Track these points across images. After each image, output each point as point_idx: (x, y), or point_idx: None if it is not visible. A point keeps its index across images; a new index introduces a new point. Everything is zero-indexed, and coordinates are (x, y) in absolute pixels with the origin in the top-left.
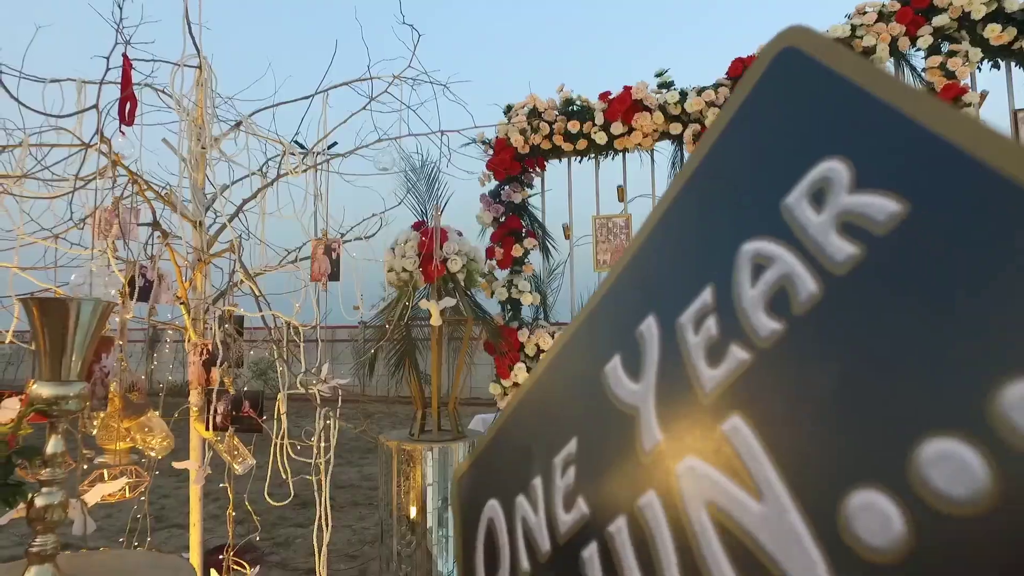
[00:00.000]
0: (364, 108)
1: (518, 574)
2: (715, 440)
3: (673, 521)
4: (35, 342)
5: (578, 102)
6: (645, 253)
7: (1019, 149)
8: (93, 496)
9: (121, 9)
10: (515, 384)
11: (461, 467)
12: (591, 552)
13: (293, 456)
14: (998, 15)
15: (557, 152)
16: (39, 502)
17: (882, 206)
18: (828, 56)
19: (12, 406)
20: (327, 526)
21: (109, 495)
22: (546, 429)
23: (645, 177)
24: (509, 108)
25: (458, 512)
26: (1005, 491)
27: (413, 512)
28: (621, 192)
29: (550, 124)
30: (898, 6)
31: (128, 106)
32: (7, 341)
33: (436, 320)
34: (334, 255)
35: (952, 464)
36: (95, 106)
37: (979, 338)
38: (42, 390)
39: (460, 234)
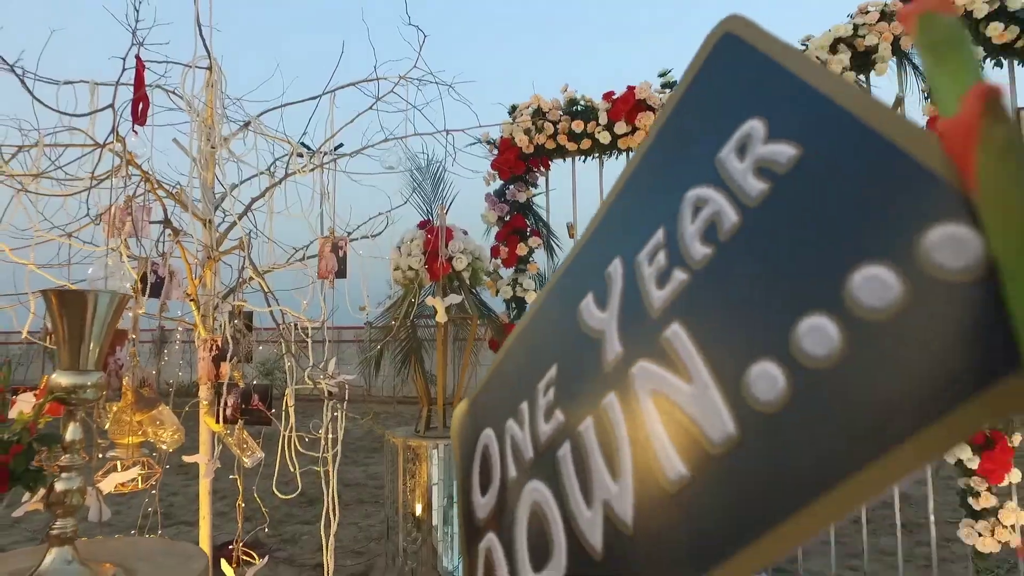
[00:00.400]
0: (370, 108)
1: (507, 482)
2: (660, 344)
3: (627, 412)
4: (54, 333)
5: (582, 102)
6: (614, 209)
7: (879, 105)
8: (108, 484)
9: (137, 12)
10: None
11: (460, 408)
12: (565, 451)
13: (301, 451)
14: (1000, 14)
15: (561, 151)
16: (59, 487)
17: (784, 151)
18: (755, 39)
19: (27, 400)
20: (334, 516)
21: (122, 484)
22: (532, 363)
23: None
24: (514, 108)
25: (458, 446)
26: (848, 346)
27: (419, 509)
28: None
29: (554, 124)
30: (900, 5)
31: (141, 106)
32: (23, 336)
33: (442, 317)
34: (341, 253)
35: (817, 333)
36: (111, 106)
37: (838, 240)
38: (61, 379)
39: (465, 233)
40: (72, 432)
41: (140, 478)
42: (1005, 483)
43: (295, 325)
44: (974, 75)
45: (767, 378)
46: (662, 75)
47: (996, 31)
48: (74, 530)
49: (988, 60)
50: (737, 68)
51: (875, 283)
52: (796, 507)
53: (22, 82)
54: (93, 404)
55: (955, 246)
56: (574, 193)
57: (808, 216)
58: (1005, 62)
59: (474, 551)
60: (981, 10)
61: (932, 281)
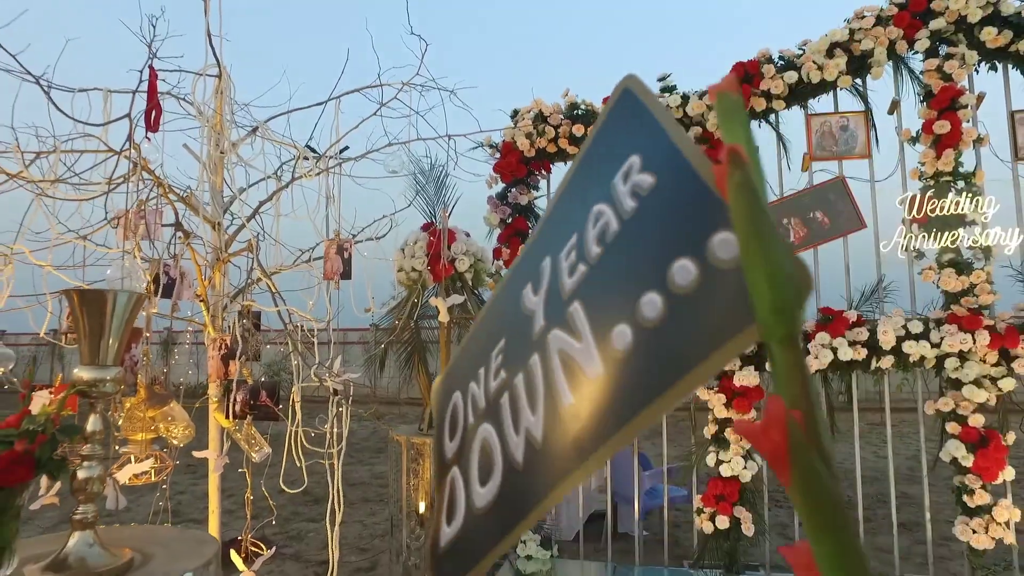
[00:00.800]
0: (375, 114)
1: (467, 427)
2: (566, 317)
3: (544, 366)
4: (76, 330)
5: (583, 106)
6: (549, 219)
7: (699, 151)
8: (124, 475)
9: (154, 28)
10: None
11: (438, 378)
12: (505, 399)
13: (307, 447)
14: (994, 18)
15: (562, 155)
16: (81, 475)
17: (647, 179)
18: (643, 95)
19: (43, 397)
20: (339, 508)
21: (136, 476)
22: (489, 338)
23: None
24: (515, 113)
25: (436, 408)
26: (667, 311)
27: (422, 507)
28: None
29: (555, 128)
30: (896, 10)
31: (154, 114)
32: (41, 335)
33: (444, 317)
34: (346, 255)
35: (652, 304)
36: (128, 115)
37: (667, 242)
38: (83, 373)
39: (468, 235)
40: (93, 423)
41: (153, 471)
42: (999, 481)
43: (301, 325)
44: (742, 137)
45: (622, 335)
46: (661, 79)
47: (990, 35)
48: (95, 515)
49: (982, 63)
50: (629, 116)
51: (684, 270)
52: (634, 414)
53: (47, 96)
54: (111, 398)
55: (726, 245)
56: None
57: (654, 225)
58: (1000, 65)
59: (443, 483)
60: (975, 14)
61: (714, 269)
